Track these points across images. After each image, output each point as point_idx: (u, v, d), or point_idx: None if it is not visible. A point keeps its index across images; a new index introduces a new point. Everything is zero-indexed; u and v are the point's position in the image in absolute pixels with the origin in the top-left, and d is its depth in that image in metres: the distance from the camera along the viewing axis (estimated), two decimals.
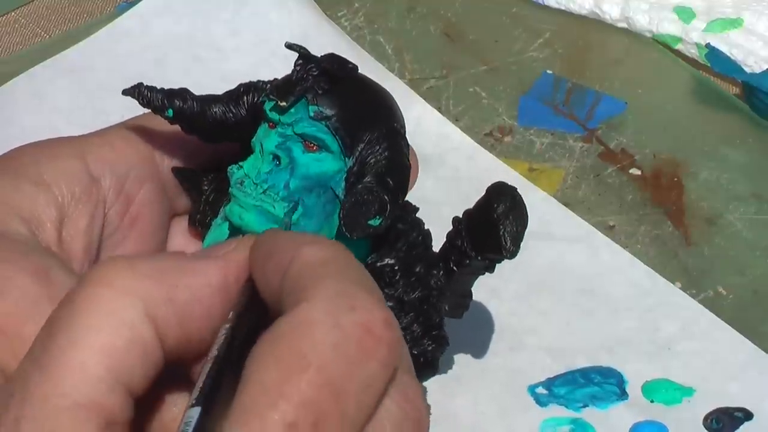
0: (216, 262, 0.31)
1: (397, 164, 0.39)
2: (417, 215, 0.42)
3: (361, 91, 0.40)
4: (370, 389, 0.28)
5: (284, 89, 0.39)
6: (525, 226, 0.40)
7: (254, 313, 0.31)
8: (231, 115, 0.40)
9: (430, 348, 0.40)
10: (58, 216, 0.38)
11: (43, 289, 0.34)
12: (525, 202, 0.40)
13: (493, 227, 0.39)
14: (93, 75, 0.58)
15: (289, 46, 0.39)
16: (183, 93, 0.40)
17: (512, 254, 0.40)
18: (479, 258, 0.40)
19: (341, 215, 0.38)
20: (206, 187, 0.42)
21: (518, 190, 0.40)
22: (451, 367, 0.48)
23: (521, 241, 0.40)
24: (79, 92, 0.57)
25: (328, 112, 0.39)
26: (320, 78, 0.39)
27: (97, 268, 0.30)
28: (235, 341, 0.30)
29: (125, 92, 0.40)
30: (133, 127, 0.41)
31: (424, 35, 0.63)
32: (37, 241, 0.37)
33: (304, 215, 0.38)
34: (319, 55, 0.39)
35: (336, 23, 0.62)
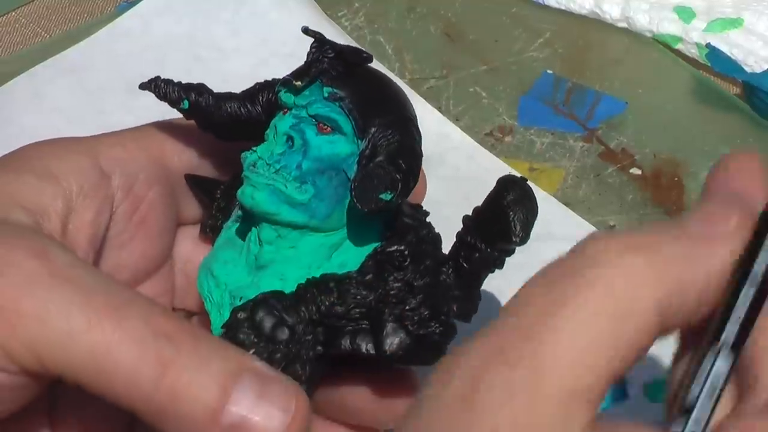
0: (722, 244, 0.30)
1: (408, 149, 0.39)
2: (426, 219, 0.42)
3: (375, 80, 0.40)
4: None
5: (300, 70, 0.39)
6: (535, 215, 0.40)
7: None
8: (245, 110, 0.40)
9: (437, 331, 0.40)
10: (65, 208, 0.38)
11: (42, 266, 0.34)
12: (534, 194, 0.40)
13: (502, 215, 0.39)
14: (93, 75, 0.58)
15: (305, 31, 0.39)
16: (199, 87, 0.40)
17: (522, 240, 0.40)
18: (489, 249, 0.40)
19: (352, 187, 0.38)
20: (218, 195, 0.42)
21: (528, 181, 0.40)
22: None
23: (531, 229, 0.40)
24: (79, 92, 0.57)
25: (342, 93, 0.39)
26: (335, 61, 0.39)
27: (601, 245, 0.30)
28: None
29: (142, 86, 0.40)
30: (145, 130, 0.42)
31: (424, 35, 0.63)
32: (39, 228, 0.37)
33: (315, 197, 0.39)
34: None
35: (336, 23, 0.62)
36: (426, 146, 0.56)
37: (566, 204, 0.54)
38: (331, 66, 0.39)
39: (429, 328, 0.40)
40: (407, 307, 0.39)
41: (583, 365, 0.29)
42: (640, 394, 0.47)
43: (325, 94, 0.39)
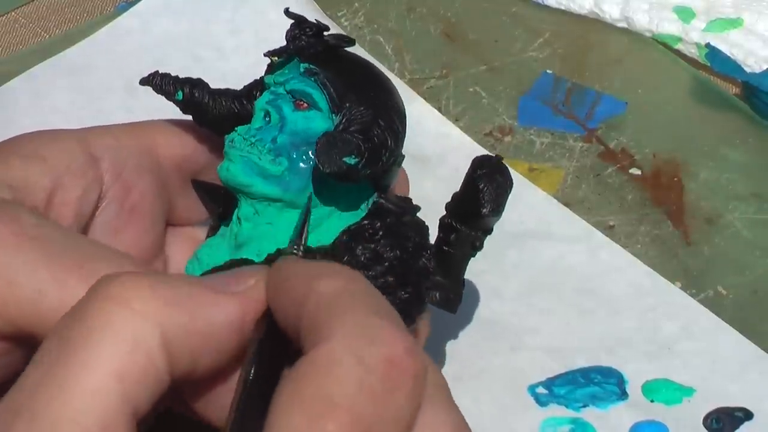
0: (236, 299, 0.31)
1: (383, 125, 0.39)
2: (417, 215, 0.42)
3: (360, 63, 0.41)
4: (399, 422, 0.28)
5: (278, 48, 0.40)
6: (506, 189, 0.40)
7: (276, 342, 0.30)
8: (239, 105, 0.41)
9: (405, 297, 0.40)
10: (51, 185, 0.38)
11: (7, 229, 0.33)
12: (509, 171, 0.40)
13: (473, 189, 0.40)
14: (93, 75, 0.58)
15: (287, 13, 0.40)
16: (195, 81, 0.41)
17: (492, 212, 0.40)
18: (465, 228, 0.40)
19: (316, 147, 0.38)
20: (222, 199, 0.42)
21: (503, 159, 0.40)
22: (451, 367, 0.48)
23: (502, 201, 0.40)
24: (79, 92, 0.57)
25: (318, 69, 0.39)
26: (313, 39, 0.39)
27: (113, 282, 0.29)
28: (261, 369, 0.30)
29: (142, 82, 0.41)
30: (136, 124, 0.42)
31: (424, 35, 0.63)
32: (20, 203, 0.37)
33: (289, 170, 0.39)
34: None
35: (336, 23, 0.62)
36: (426, 146, 0.56)
37: (566, 204, 0.54)
38: (309, 44, 0.39)
39: (394, 296, 0.39)
40: (370, 273, 0.39)
41: (97, 408, 0.28)
42: (639, 394, 0.47)
43: (301, 70, 0.39)
